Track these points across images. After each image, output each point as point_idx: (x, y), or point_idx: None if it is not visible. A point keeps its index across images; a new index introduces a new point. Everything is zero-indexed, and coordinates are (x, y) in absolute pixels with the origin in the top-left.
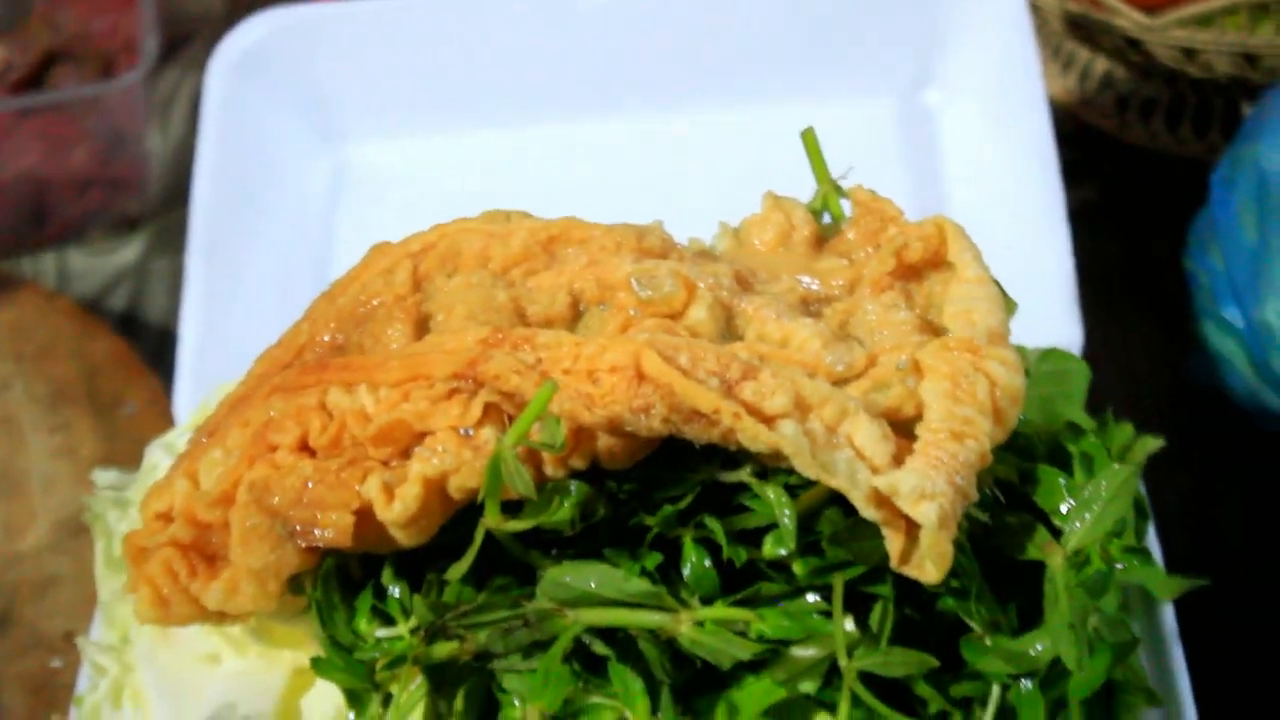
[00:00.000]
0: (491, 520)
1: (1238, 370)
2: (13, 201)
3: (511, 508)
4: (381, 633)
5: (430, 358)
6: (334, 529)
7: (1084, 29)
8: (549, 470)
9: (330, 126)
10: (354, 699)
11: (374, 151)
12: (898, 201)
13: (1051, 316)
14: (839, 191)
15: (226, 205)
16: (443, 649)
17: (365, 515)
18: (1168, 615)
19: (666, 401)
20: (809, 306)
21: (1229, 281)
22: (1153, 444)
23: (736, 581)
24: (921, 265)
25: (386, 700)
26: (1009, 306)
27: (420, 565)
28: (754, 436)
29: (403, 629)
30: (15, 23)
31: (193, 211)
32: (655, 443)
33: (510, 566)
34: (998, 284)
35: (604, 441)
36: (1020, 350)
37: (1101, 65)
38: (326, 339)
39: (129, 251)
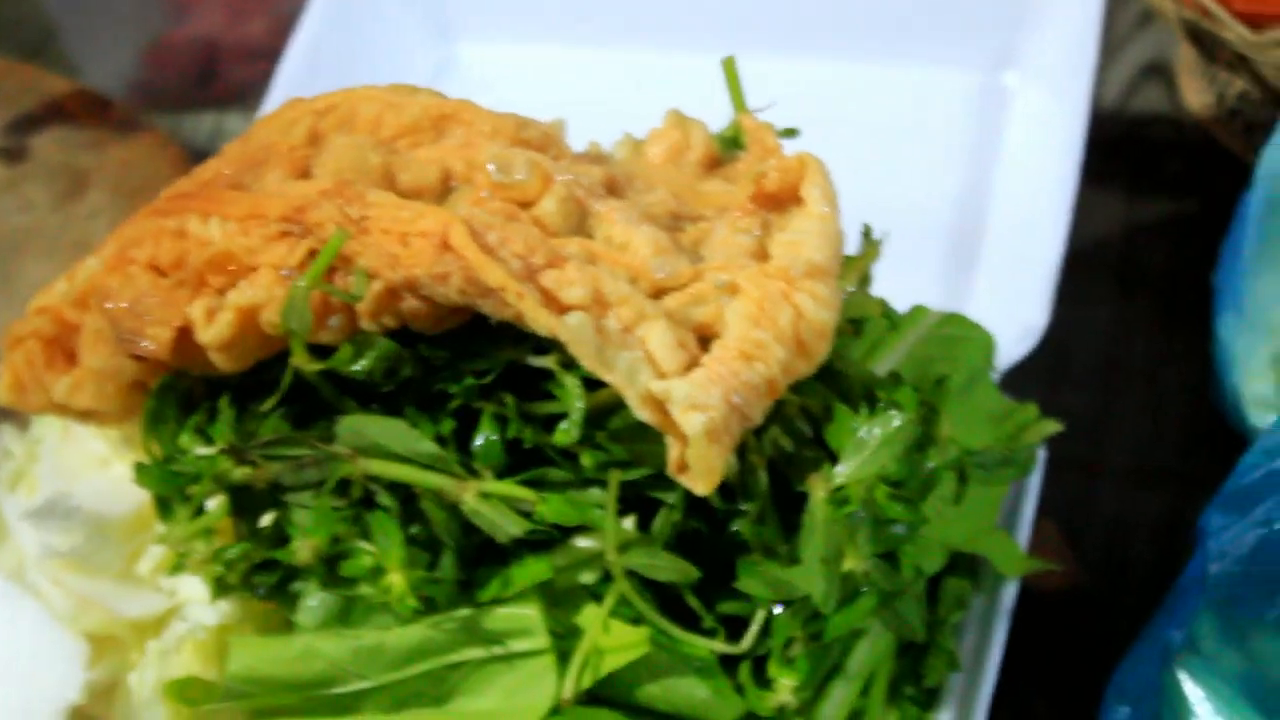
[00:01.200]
0: (296, 359)
1: (1219, 385)
2: (186, 60)
3: (328, 353)
4: (201, 451)
5: (271, 199)
6: (155, 341)
7: (1201, 40)
8: (363, 324)
9: (439, 21)
10: (164, 506)
11: (479, 53)
12: (948, 173)
13: (1024, 299)
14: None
15: (313, 83)
16: (240, 473)
17: (187, 334)
18: (1008, 592)
19: (463, 273)
20: (677, 222)
21: (1223, 296)
22: (1050, 427)
23: (530, 464)
24: (782, 196)
25: (197, 515)
26: (870, 253)
27: (255, 398)
28: (536, 319)
29: (217, 451)
30: None
31: (274, 84)
32: (464, 315)
33: (334, 415)
34: (837, 225)
35: (409, 303)
36: (920, 310)
37: (1237, 85)
38: (227, 174)
39: None
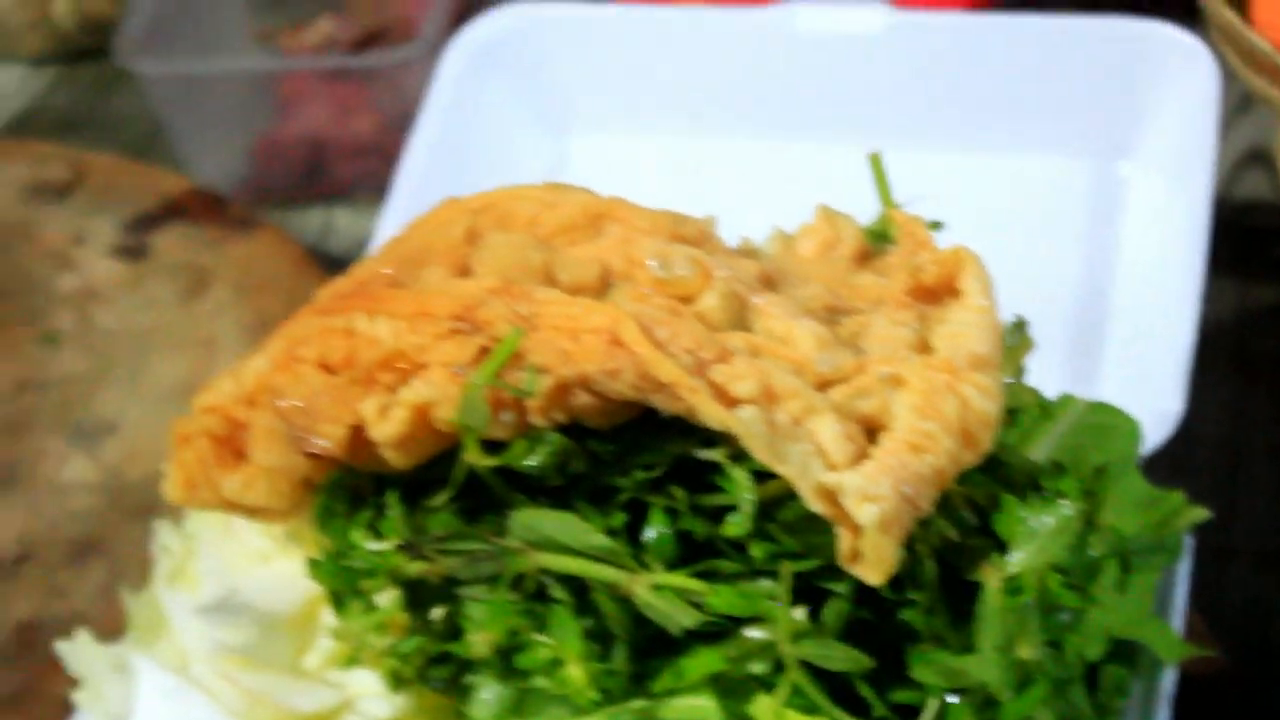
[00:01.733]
0: (469, 455)
1: None
2: (295, 157)
3: (499, 449)
4: (372, 546)
5: (438, 298)
6: (329, 439)
7: None
8: (534, 418)
9: (552, 115)
10: (337, 601)
11: (592, 146)
12: (1067, 260)
13: (1157, 386)
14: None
15: (434, 178)
16: (414, 567)
17: (360, 432)
18: (1167, 678)
19: (635, 368)
20: (833, 315)
21: None
22: (1198, 514)
23: (701, 556)
24: (937, 290)
25: (370, 609)
26: (1025, 344)
27: (424, 493)
28: (709, 414)
29: (390, 545)
30: (344, 1)
31: (396, 182)
32: (634, 409)
33: (504, 509)
34: (997, 317)
35: (580, 398)
36: (1069, 398)
37: None
38: (386, 273)
39: None
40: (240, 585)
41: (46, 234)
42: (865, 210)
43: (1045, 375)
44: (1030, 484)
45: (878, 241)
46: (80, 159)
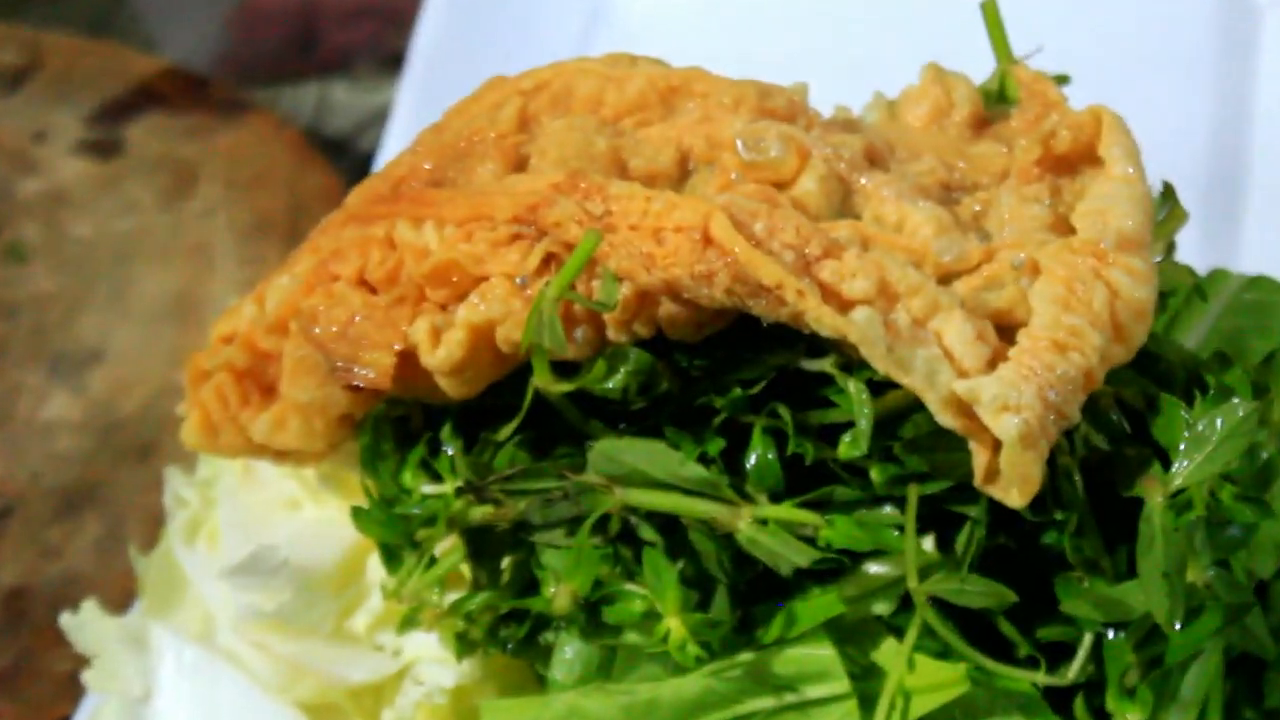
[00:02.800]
0: (540, 379)
1: None
2: (282, 25)
3: (571, 370)
4: (427, 489)
5: (496, 199)
6: (374, 369)
7: None
8: (611, 334)
9: None
10: (389, 555)
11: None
12: (1196, 104)
13: None
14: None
15: (457, 42)
16: (478, 512)
17: (410, 359)
18: None
19: (730, 270)
20: (950, 193)
21: None
22: None
23: (811, 483)
24: (1073, 157)
25: (430, 563)
26: (1177, 216)
27: (484, 425)
28: (819, 319)
29: (449, 487)
30: None
31: (414, 47)
32: (727, 316)
33: (579, 439)
34: (1146, 187)
35: (666, 308)
36: (1222, 274)
37: None
38: (427, 169)
39: (390, 91)
40: (270, 539)
41: (1, 131)
42: (979, 66)
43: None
44: (1193, 380)
45: (997, 103)
46: (33, 40)
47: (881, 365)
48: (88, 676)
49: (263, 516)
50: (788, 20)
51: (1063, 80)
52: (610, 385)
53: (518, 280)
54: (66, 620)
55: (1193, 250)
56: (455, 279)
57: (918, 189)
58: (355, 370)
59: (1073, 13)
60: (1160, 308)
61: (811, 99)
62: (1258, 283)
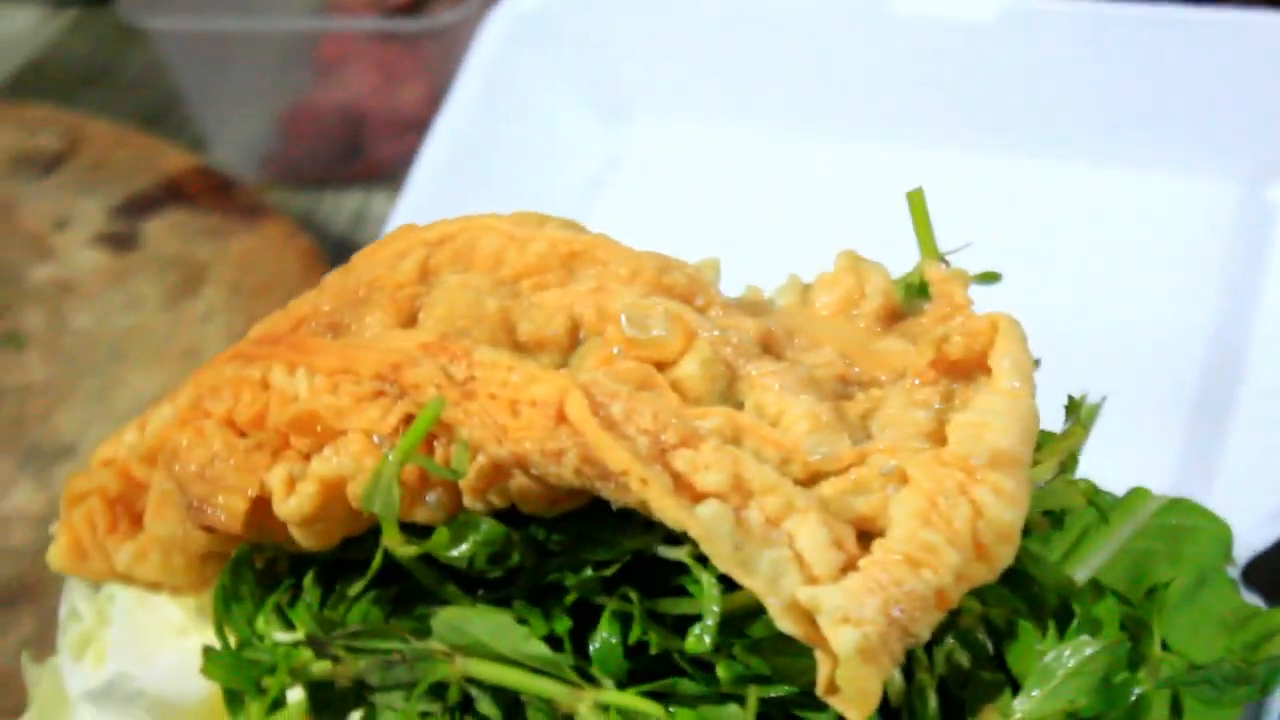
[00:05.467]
0: (388, 540)
1: None
2: (330, 132)
3: (425, 533)
4: (280, 636)
5: (366, 353)
6: (226, 511)
7: None
8: (466, 501)
9: (612, 100)
10: (232, 700)
11: (647, 136)
12: (1206, 295)
13: (1275, 473)
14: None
15: (460, 167)
16: (318, 667)
17: (265, 505)
18: None
19: (579, 451)
20: (846, 386)
21: None
22: None
23: (662, 672)
24: (967, 364)
25: (274, 708)
26: (1076, 432)
27: (345, 577)
28: (662, 509)
29: (297, 637)
30: None
31: (414, 172)
32: (581, 496)
33: (440, 601)
34: (1030, 403)
35: (519, 481)
36: (1141, 492)
37: None
38: (325, 312)
39: None
40: (147, 664)
41: (26, 215)
42: (957, 234)
43: (1155, 453)
44: (1062, 606)
45: (916, 297)
46: (76, 126)
47: (723, 564)
48: None
49: (151, 639)
50: (789, 171)
51: (988, 279)
52: (456, 554)
53: (375, 439)
54: None
55: (1174, 450)
56: (318, 429)
57: (807, 381)
58: (208, 511)
59: (1077, 196)
60: (1056, 526)
61: (744, 239)
62: (1178, 505)
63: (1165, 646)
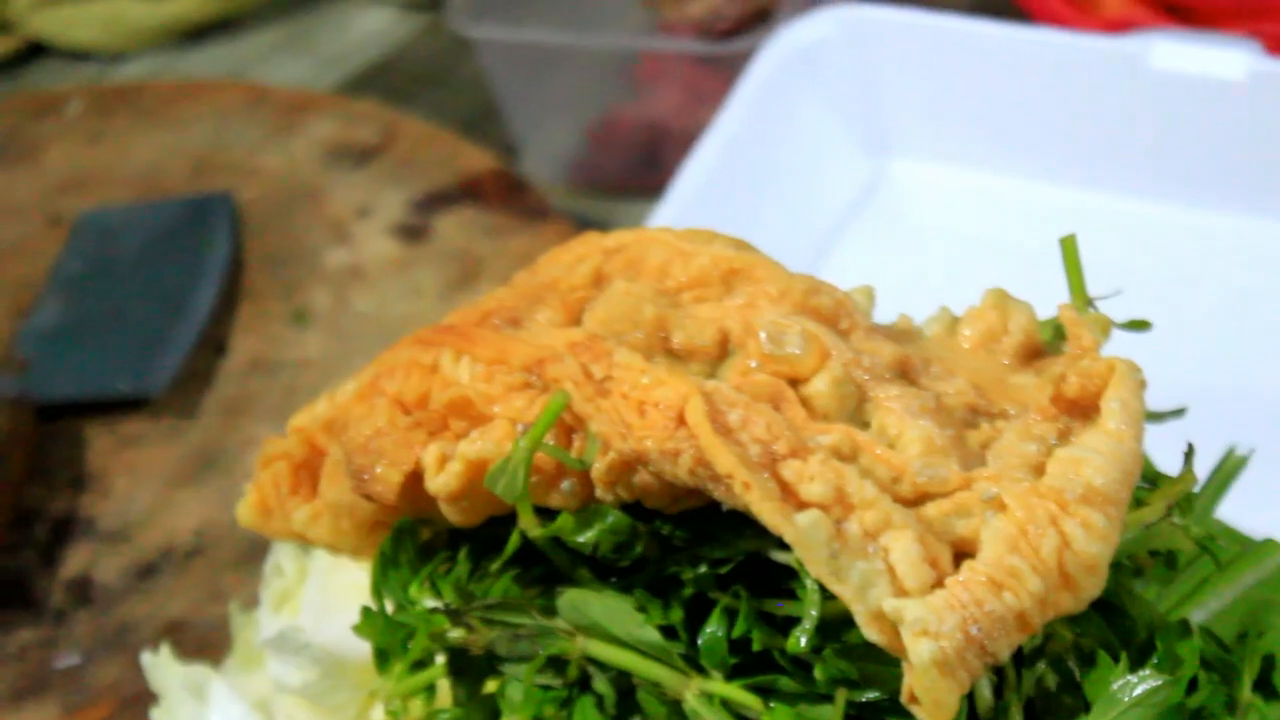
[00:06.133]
0: (522, 521)
1: None
2: (634, 142)
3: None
4: (430, 604)
5: (516, 346)
6: (382, 483)
7: None
8: (598, 492)
9: (870, 136)
10: (381, 658)
11: (908, 172)
12: None
13: None
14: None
15: (719, 185)
16: (454, 634)
17: (418, 480)
18: None
19: (694, 453)
20: (974, 416)
21: None
22: None
23: (768, 669)
24: (1083, 404)
25: (417, 668)
26: (1186, 479)
27: (493, 554)
28: (762, 512)
29: (440, 605)
30: None
31: (674, 185)
32: (700, 497)
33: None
34: (1133, 445)
35: (642, 477)
36: (1273, 544)
37: None
38: (508, 307)
39: None
40: (338, 621)
41: (334, 201)
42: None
43: None
44: (1148, 642)
45: (1059, 339)
46: (393, 123)
47: (816, 569)
48: (153, 712)
49: (335, 599)
50: (1039, 218)
51: (1138, 326)
52: (582, 539)
53: (518, 426)
54: (146, 659)
55: None
56: (471, 413)
57: (933, 407)
58: (367, 480)
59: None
60: (1169, 566)
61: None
62: (1269, 546)
63: (1275, 694)
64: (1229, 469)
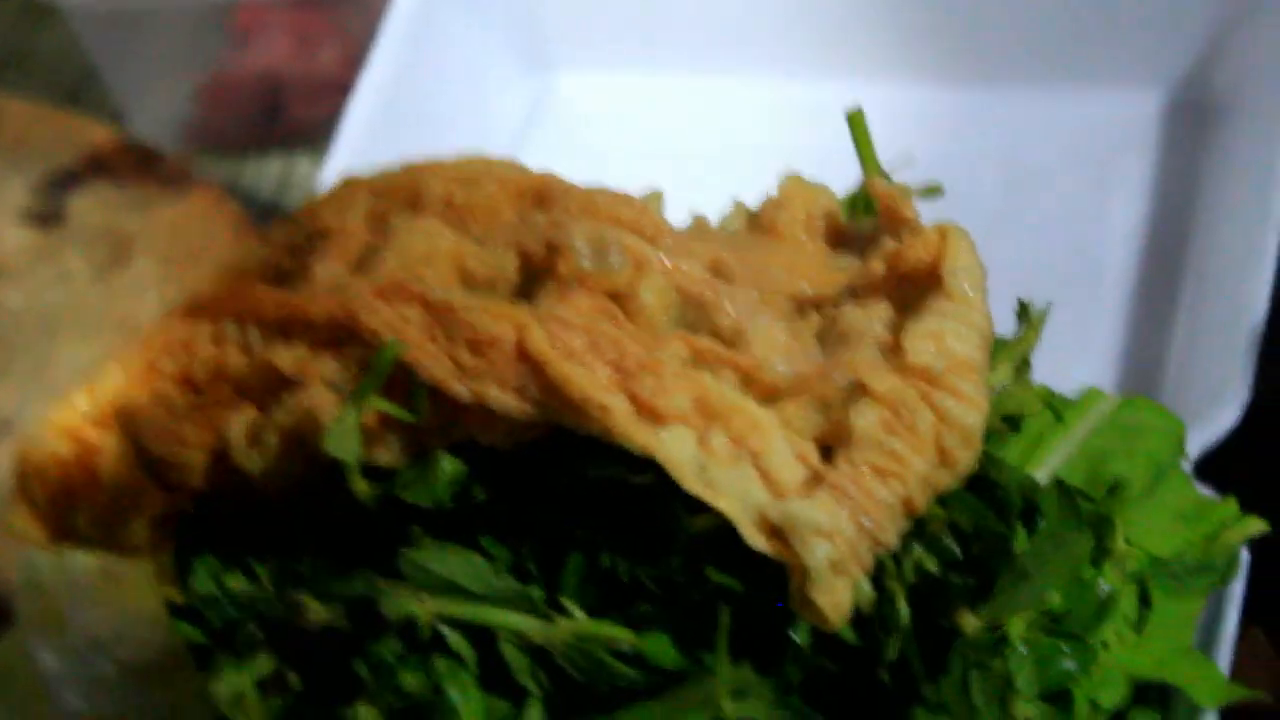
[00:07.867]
0: (352, 484)
1: None
2: (249, 97)
3: (387, 475)
4: (246, 589)
5: (316, 301)
6: (189, 469)
7: None
8: (426, 440)
9: (535, 49)
10: (201, 657)
11: (581, 83)
12: (1139, 210)
13: (1220, 369)
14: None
15: (387, 124)
16: (286, 616)
17: (226, 459)
18: None
19: (541, 384)
20: (799, 308)
21: None
22: (1253, 525)
23: (633, 599)
24: (918, 276)
25: (242, 660)
26: (1029, 337)
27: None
28: (626, 436)
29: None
30: None
31: (341, 130)
32: (545, 428)
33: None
34: (984, 309)
35: (481, 417)
36: (1095, 394)
37: None
38: (273, 264)
39: None
40: (110, 633)
41: None
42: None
43: (1097, 364)
44: (1026, 507)
45: (861, 213)
46: None
47: (690, 486)
48: None
49: (110, 602)
50: (718, 113)
51: (931, 193)
52: (419, 494)
53: (334, 386)
54: None
55: (1112, 369)
56: (274, 381)
57: (761, 304)
58: (169, 470)
59: (998, 118)
60: (1014, 430)
61: (681, 184)
62: (1131, 404)
63: (1128, 542)
64: (1035, 324)
